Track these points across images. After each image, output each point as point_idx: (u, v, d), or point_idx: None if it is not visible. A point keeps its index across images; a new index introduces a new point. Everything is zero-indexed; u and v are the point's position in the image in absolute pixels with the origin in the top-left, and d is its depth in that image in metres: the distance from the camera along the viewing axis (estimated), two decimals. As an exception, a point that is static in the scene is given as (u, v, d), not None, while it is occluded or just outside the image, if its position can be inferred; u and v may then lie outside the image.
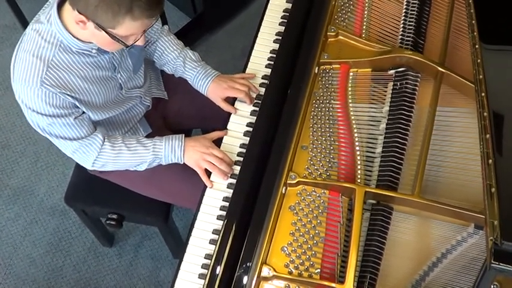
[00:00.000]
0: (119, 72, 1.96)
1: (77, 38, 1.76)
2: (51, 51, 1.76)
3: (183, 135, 1.99)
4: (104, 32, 1.66)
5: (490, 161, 1.46)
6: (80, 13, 1.63)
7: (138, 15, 1.61)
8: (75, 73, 1.82)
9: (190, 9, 3.48)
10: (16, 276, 2.86)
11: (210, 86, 2.10)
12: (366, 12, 2.06)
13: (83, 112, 1.89)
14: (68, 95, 1.80)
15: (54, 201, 3.02)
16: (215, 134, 1.99)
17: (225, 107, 2.05)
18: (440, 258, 1.64)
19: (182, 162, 1.98)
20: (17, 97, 1.82)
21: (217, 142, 1.99)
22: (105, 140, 1.95)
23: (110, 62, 1.91)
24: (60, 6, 1.75)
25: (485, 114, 1.55)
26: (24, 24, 3.26)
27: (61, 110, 1.80)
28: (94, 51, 1.82)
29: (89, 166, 2.00)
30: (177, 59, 2.14)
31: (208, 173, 1.92)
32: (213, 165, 1.90)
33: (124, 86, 2.02)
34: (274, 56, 2.09)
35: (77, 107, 1.86)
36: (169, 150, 1.96)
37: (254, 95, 2.05)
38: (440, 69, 1.85)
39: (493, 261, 1.31)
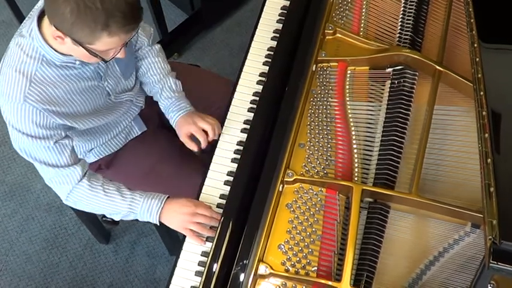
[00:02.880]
0: (106, 80, 1.92)
1: (58, 52, 1.73)
2: (34, 66, 1.73)
3: (166, 196, 1.90)
4: (81, 47, 1.64)
5: (489, 160, 1.45)
6: (57, 29, 1.61)
7: (115, 30, 1.58)
8: (59, 86, 1.79)
9: (188, 6, 3.47)
10: (12, 273, 2.85)
11: (179, 119, 2.04)
12: (363, 10, 2.05)
13: (66, 137, 1.85)
14: (52, 111, 1.77)
15: (51, 198, 3.01)
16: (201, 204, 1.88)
17: (189, 144, 2.00)
18: (437, 256, 1.64)
19: (158, 224, 1.90)
20: (2, 113, 1.79)
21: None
22: (85, 177, 1.90)
23: (95, 71, 1.87)
24: (40, 19, 1.72)
25: (483, 113, 1.55)
26: (21, 20, 3.24)
27: (42, 129, 1.77)
28: (78, 63, 1.78)
29: (63, 198, 1.94)
30: (156, 83, 2.10)
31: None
32: (201, 226, 1.82)
33: (112, 93, 1.98)
34: (272, 53, 2.09)
35: (60, 128, 1.82)
36: (145, 209, 1.88)
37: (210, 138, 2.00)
38: (438, 67, 1.85)
39: (491, 261, 1.31)
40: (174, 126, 2.06)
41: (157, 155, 2.23)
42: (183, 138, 2.02)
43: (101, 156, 2.22)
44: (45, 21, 1.69)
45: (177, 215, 1.86)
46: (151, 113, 2.28)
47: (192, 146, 1.99)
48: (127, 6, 1.56)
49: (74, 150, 1.89)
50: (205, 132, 1.99)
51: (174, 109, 2.06)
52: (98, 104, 1.95)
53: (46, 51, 1.72)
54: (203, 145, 1.99)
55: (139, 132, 2.25)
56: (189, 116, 2.03)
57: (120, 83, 2.01)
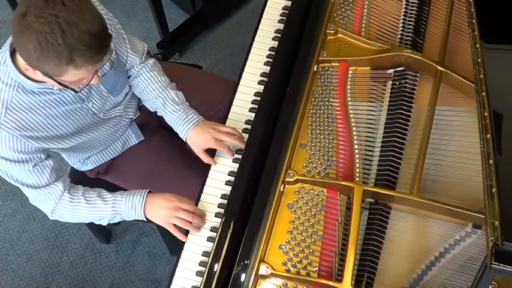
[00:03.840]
0: (90, 101, 1.91)
1: (33, 80, 1.71)
2: (9, 93, 1.72)
3: (147, 191, 1.91)
4: (51, 79, 1.62)
5: (491, 161, 1.45)
6: (25, 62, 1.60)
7: (81, 63, 1.55)
8: (37, 112, 1.78)
9: (189, 6, 3.47)
10: (13, 272, 2.85)
11: (190, 132, 1.97)
12: (365, 10, 2.05)
13: (46, 157, 1.85)
14: (31, 137, 1.77)
15: (52, 198, 3.01)
16: (184, 200, 1.88)
17: (206, 158, 1.94)
18: (438, 257, 1.64)
19: (145, 220, 1.91)
20: None
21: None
22: (65, 191, 1.90)
23: (76, 95, 1.84)
24: (14, 49, 1.70)
25: (485, 113, 1.55)
26: (22, 19, 3.24)
27: (20, 154, 1.77)
28: (56, 88, 1.77)
29: (49, 215, 1.95)
30: (156, 99, 2.04)
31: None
32: (184, 221, 1.82)
33: (100, 111, 1.97)
34: (273, 53, 2.09)
35: (39, 151, 1.82)
36: (129, 206, 1.89)
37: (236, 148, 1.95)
38: (439, 68, 1.84)
39: (493, 262, 1.31)
40: (184, 140, 2.00)
41: (157, 157, 2.23)
42: (200, 154, 1.95)
43: (99, 164, 2.22)
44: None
45: (160, 209, 1.87)
46: (149, 118, 2.26)
47: (210, 161, 1.93)
48: (91, 38, 1.53)
49: (54, 169, 1.89)
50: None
51: (182, 123, 1.98)
52: (84, 124, 1.94)
53: (21, 79, 1.71)
54: (231, 156, 1.94)
55: (137, 142, 2.24)
56: (202, 128, 1.96)
57: (108, 101, 1.99)
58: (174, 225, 1.85)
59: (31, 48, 1.51)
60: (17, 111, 1.74)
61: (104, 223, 1.97)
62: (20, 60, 1.67)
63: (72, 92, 1.80)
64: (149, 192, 1.91)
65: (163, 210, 1.86)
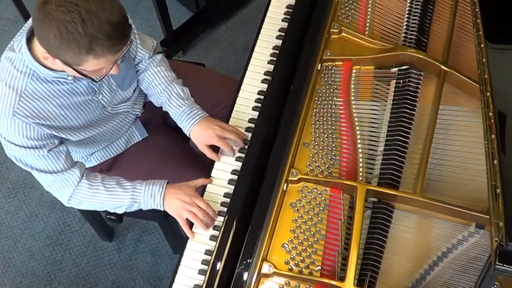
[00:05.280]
0: (101, 93, 1.91)
1: (50, 68, 1.72)
2: (24, 81, 1.73)
3: (166, 181, 1.91)
4: (71, 68, 1.63)
5: (495, 161, 1.45)
6: (45, 50, 1.61)
7: (100, 52, 1.56)
8: (50, 101, 1.78)
9: (193, 4, 3.47)
10: (15, 269, 2.85)
11: (194, 128, 1.97)
12: (369, 9, 2.05)
13: (60, 143, 1.85)
14: (43, 124, 1.77)
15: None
16: (199, 182, 1.91)
17: (209, 154, 1.94)
18: (441, 257, 1.63)
19: (162, 209, 1.91)
20: None
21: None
22: (83, 177, 1.90)
23: (89, 86, 1.85)
24: (31, 37, 1.71)
25: (490, 114, 1.54)
26: (26, 17, 3.25)
27: (34, 141, 1.77)
28: (70, 78, 1.77)
29: (65, 202, 1.93)
30: (162, 93, 2.05)
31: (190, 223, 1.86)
32: (195, 216, 1.82)
33: (109, 105, 1.98)
34: (277, 52, 2.08)
35: (52, 137, 1.82)
36: (148, 195, 1.88)
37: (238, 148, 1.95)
38: (443, 67, 1.84)
39: (497, 262, 1.30)
40: (188, 135, 2.00)
41: (160, 155, 2.23)
42: (203, 149, 1.96)
43: (102, 160, 2.22)
44: (35, 39, 1.67)
45: (176, 201, 1.86)
46: (152, 115, 2.27)
47: (214, 156, 1.93)
48: (111, 28, 1.54)
49: (69, 154, 1.89)
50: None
51: (187, 118, 1.99)
52: (93, 117, 1.95)
53: (36, 67, 1.72)
54: (232, 155, 1.94)
55: (141, 138, 2.24)
56: (205, 125, 1.96)
57: (117, 95, 2.00)
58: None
59: (51, 37, 1.52)
60: (30, 100, 1.74)
61: (120, 211, 1.96)
62: (38, 49, 1.67)
63: (84, 83, 1.82)
64: (167, 183, 1.91)
65: (178, 202, 1.85)
